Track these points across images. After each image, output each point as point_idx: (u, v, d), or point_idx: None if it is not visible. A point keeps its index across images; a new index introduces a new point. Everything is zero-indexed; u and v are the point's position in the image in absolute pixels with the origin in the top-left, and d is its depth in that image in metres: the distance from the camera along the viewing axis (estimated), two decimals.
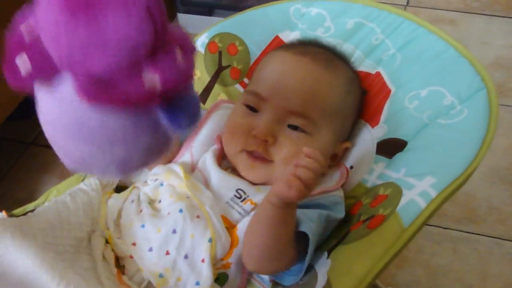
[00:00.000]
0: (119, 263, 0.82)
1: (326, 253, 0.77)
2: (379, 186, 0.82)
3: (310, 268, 0.78)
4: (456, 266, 1.25)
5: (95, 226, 0.86)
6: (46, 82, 0.50)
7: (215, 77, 1.05)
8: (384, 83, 0.94)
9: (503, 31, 1.87)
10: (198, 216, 0.79)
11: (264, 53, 1.04)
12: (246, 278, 0.80)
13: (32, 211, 0.86)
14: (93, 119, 0.49)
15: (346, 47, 0.99)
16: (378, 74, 0.95)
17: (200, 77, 1.05)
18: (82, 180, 0.92)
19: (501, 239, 1.30)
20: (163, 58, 0.48)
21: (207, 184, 0.85)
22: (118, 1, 0.45)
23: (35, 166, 1.54)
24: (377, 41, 0.98)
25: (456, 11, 1.97)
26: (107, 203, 0.87)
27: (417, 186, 0.76)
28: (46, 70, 0.49)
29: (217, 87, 1.05)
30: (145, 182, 0.89)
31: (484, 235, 1.30)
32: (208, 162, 0.87)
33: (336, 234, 0.81)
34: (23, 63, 0.49)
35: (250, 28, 1.07)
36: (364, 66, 0.98)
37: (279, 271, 0.77)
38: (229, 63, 1.06)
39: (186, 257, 0.77)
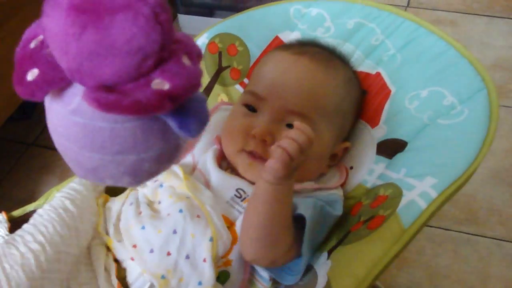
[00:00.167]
0: (121, 267, 0.81)
1: (326, 254, 0.77)
2: (379, 186, 0.82)
3: (310, 268, 0.78)
4: (457, 267, 1.25)
5: (95, 232, 0.85)
6: (57, 93, 0.51)
7: (215, 78, 1.06)
8: (384, 84, 0.94)
9: (503, 32, 1.87)
10: (198, 216, 0.79)
11: (264, 53, 1.04)
12: (248, 277, 0.80)
13: (32, 212, 0.85)
14: (104, 128, 0.50)
15: (346, 47, 0.99)
16: (378, 74, 0.95)
17: None
18: None
19: (502, 240, 1.29)
20: (171, 64, 0.48)
21: (207, 184, 0.85)
22: (125, 9, 0.45)
23: (36, 167, 1.54)
24: (377, 42, 0.98)
25: (456, 12, 1.97)
26: (104, 206, 0.87)
27: (417, 186, 0.76)
28: (57, 82, 0.49)
29: (217, 88, 1.05)
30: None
31: (485, 237, 1.30)
32: (208, 163, 0.87)
33: (336, 235, 0.80)
34: (33, 75, 0.49)
35: (250, 28, 1.07)
36: (364, 66, 0.97)
37: (277, 260, 0.76)
38: (229, 63, 1.06)
39: (187, 257, 0.77)
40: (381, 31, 0.98)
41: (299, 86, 0.85)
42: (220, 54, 1.06)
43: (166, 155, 0.54)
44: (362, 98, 0.94)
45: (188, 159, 0.90)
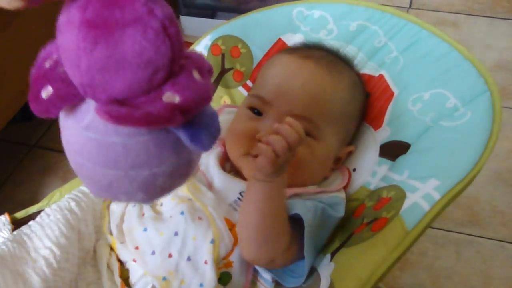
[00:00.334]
0: (124, 267, 0.82)
1: (329, 256, 0.77)
2: (382, 188, 0.82)
3: (313, 271, 0.78)
4: (459, 269, 1.25)
5: (98, 235, 0.86)
6: (71, 110, 0.52)
7: (218, 80, 1.06)
8: (387, 86, 0.94)
9: (506, 33, 1.87)
10: (200, 218, 0.79)
11: (267, 55, 1.04)
12: (251, 279, 0.80)
13: (35, 214, 0.86)
14: (117, 143, 0.50)
15: (349, 50, 0.99)
16: (381, 76, 0.95)
17: None
18: None
19: (505, 242, 1.29)
20: (181, 78, 0.49)
21: (210, 186, 0.85)
22: (135, 23, 0.46)
23: (38, 169, 1.54)
24: (380, 44, 0.98)
25: (458, 13, 1.97)
26: (109, 208, 0.87)
27: (420, 188, 0.76)
28: (70, 98, 0.50)
29: (220, 90, 1.05)
30: None
31: (487, 238, 1.30)
32: (211, 165, 0.87)
33: (339, 237, 0.80)
34: (48, 93, 0.50)
35: (253, 30, 1.07)
36: (367, 68, 0.98)
37: (276, 259, 0.76)
38: (232, 65, 1.06)
39: (188, 259, 0.77)
40: (384, 33, 0.98)
41: (305, 90, 0.85)
42: (223, 56, 1.06)
43: (179, 170, 0.54)
44: (366, 101, 0.94)
45: None
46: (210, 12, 1.92)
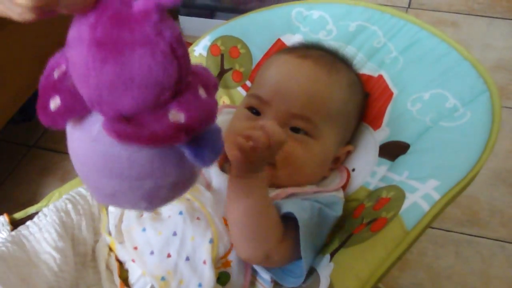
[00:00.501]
0: (123, 268, 0.82)
1: (328, 256, 0.77)
2: (382, 189, 0.82)
3: (313, 271, 0.77)
4: (459, 268, 1.25)
5: (97, 237, 0.86)
6: (78, 121, 0.53)
7: (218, 80, 1.06)
8: (386, 86, 0.94)
9: (505, 33, 1.87)
10: (198, 218, 0.79)
11: (266, 56, 1.04)
12: (250, 279, 0.79)
13: (34, 214, 0.86)
14: (123, 156, 0.52)
15: (348, 50, 0.99)
16: (380, 77, 0.95)
17: None
18: None
19: (504, 241, 1.29)
20: (187, 96, 0.50)
21: (209, 186, 0.85)
22: (144, 44, 0.47)
23: (37, 169, 1.54)
24: (379, 44, 0.98)
25: (458, 13, 1.97)
26: (107, 209, 0.87)
27: (420, 189, 0.76)
28: (78, 111, 0.51)
29: (219, 90, 1.05)
30: None
31: (487, 238, 1.30)
32: None
33: (338, 237, 0.80)
34: (56, 104, 0.51)
35: (252, 31, 1.07)
36: (367, 69, 0.98)
37: (271, 256, 0.75)
38: (231, 66, 1.06)
39: (187, 259, 0.77)
40: (383, 33, 0.98)
41: (303, 90, 0.85)
42: (222, 56, 1.06)
43: (182, 182, 0.56)
44: (365, 101, 0.94)
45: None
46: (209, 13, 1.92)
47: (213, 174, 0.86)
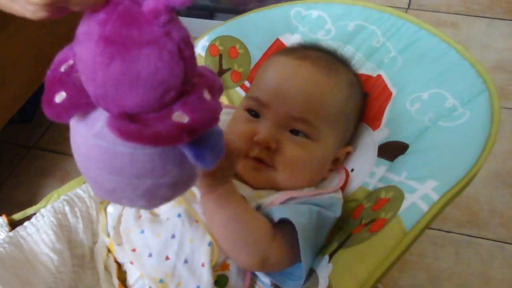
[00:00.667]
0: (122, 269, 0.82)
1: (327, 257, 0.77)
2: (381, 189, 0.82)
3: (312, 272, 0.77)
4: (458, 269, 1.25)
5: (96, 238, 0.86)
6: (82, 116, 0.53)
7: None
8: (385, 86, 0.94)
9: (504, 33, 1.87)
10: (197, 221, 0.79)
11: (265, 56, 1.04)
12: (249, 283, 0.79)
13: (32, 215, 0.86)
14: (124, 153, 0.52)
15: (347, 50, 0.99)
16: (379, 77, 0.95)
17: None
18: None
19: (504, 242, 1.29)
20: (192, 98, 0.51)
21: None
22: (152, 44, 0.48)
23: (36, 170, 1.54)
24: (378, 44, 0.98)
25: (457, 14, 1.97)
26: (106, 210, 0.87)
27: (419, 189, 0.76)
28: (83, 106, 0.52)
29: None
30: None
31: (486, 239, 1.30)
32: None
33: (337, 238, 0.80)
34: (61, 98, 0.52)
35: (251, 31, 1.07)
36: (365, 69, 0.97)
37: (268, 259, 0.75)
38: (229, 66, 1.06)
39: (185, 261, 0.77)
40: (382, 33, 0.98)
41: (302, 92, 0.85)
42: (220, 56, 1.06)
43: (181, 182, 0.56)
44: (364, 101, 0.94)
45: None
46: (209, 13, 1.92)
47: None
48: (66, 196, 0.87)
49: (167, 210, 0.81)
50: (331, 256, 0.77)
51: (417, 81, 0.90)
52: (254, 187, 0.84)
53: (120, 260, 0.82)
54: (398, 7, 1.98)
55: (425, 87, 0.89)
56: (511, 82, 1.68)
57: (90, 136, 0.53)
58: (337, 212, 0.83)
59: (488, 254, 1.27)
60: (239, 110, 0.90)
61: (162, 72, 0.48)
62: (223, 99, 1.05)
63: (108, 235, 0.84)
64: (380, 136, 0.90)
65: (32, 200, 1.41)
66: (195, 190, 0.82)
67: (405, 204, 0.75)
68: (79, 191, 0.89)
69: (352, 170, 0.91)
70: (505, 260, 1.26)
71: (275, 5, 1.08)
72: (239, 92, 1.05)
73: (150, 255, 0.78)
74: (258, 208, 0.80)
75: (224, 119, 0.92)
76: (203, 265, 0.76)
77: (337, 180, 0.89)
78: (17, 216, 0.88)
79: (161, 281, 0.76)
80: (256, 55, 1.05)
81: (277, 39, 1.05)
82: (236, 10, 1.79)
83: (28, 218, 0.86)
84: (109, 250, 0.84)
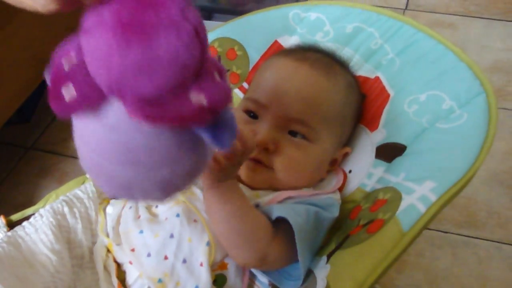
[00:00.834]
0: (121, 269, 0.82)
1: (325, 258, 0.77)
2: (379, 190, 0.82)
3: (310, 273, 0.77)
4: (456, 270, 1.25)
5: (95, 238, 0.86)
6: (92, 109, 0.52)
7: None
8: (383, 88, 0.94)
9: (502, 34, 1.87)
10: (195, 220, 0.79)
11: (263, 57, 1.05)
12: (247, 282, 0.79)
13: (31, 216, 0.86)
14: (140, 143, 0.51)
15: (345, 52, 1.00)
16: (377, 78, 0.96)
17: None
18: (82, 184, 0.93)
19: (501, 243, 1.29)
20: (206, 79, 0.50)
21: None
22: (169, 26, 0.48)
23: (34, 171, 1.53)
24: (376, 46, 0.98)
25: (455, 14, 1.97)
26: (105, 210, 0.87)
27: (416, 190, 0.76)
28: (94, 98, 0.51)
29: None
30: None
31: (484, 239, 1.30)
32: None
33: (335, 239, 0.80)
34: (69, 92, 0.50)
35: (249, 32, 1.07)
36: (363, 70, 0.98)
37: (267, 257, 0.75)
38: (228, 67, 1.06)
39: (184, 261, 0.77)
40: (380, 35, 0.98)
41: (300, 94, 0.85)
42: (219, 58, 1.06)
43: (194, 169, 0.56)
44: (362, 103, 0.95)
45: None
46: (207, 14, 1.92)
47: None
48: (65, 197, 0.88)
49: (165, 210, 0.82)
50: (329, 257, 0.77)
51: (414, 83, 0.91)
52: (252, 187, 0.85)
53: (119, 260, 0.82)
54: (395, 8, 1.98)
55: (422, 89, 0.89)
56: (508, 83, 1.69)
57: (102, 130, 0.52)
58: (334, 212, 0.83)
59: (485, 255, 1.27)
60: (237, 112, 0.90)
61: (181, 54, 0.48)
62: None
63: (107, 235, 0.84)
64: (378, 138, 0.91)
65: (30, 201, 1.41)
66: (196, 190, 0.83)
67: (403, 205, 0.75)
68: (77, 192, 0.89)
69: (350, 171, 0.91)
70: (502, 260, 1.26)
71: (273, 7, 1.08)
72: (238, 93, 1.05)
73: (149, 255, 0.78)
74: (256, 207, 0.80)
75: None
76: (201, 264, 0.76)
77: (335, 181, 0.89)
78: (15, 217, 0.88)
79: (159, 280, 0.76)
80: (254, 56, 1.06)
81: (276, 41, 1.05)
82: (234, 11, 1.79)
83: (27, 218, 0.87)
84: (108, 250, 0.84)
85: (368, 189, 0.86)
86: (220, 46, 1.06)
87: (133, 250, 0.80)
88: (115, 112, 0.51)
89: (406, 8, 2.02)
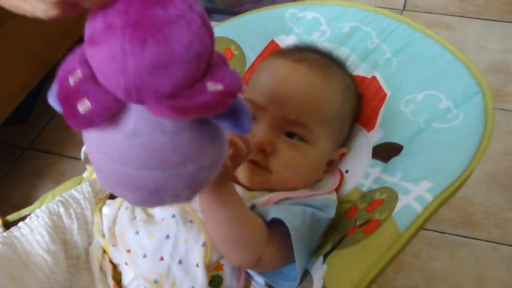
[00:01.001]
0: (117, 270, 0.82)
1: (322, 258, 0.77)
2: (375, 190, 0.82)
3: (306, 273, 0.77)
4: (453, 270, 1.25)
5: (91, 239, 0.86)
6: (111, 119, 0.52)
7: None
8: (379, 87, 0.94)
9: (499, 35, 1.88)
10: (191, 221, 0.79)
11: (260, 57, 1.04)
12: (243, 283, 0.79)
13: (27, 216, 0.86)
14: (164, 142, 0.51)
15: (342, 51, 0.99)
16: (373, 78, 0.95)
17: None
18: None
19: (498, 243, 1.30)
20: (216, 68, 0.51)
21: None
22: (179, 19, 0.48)
23: (31, 171, 1.53)
24: (372, 45, 0.98)
25: (452, 15, 1.97)
26: (101, 211, 0.87)
27: (413, 190, 0.76)
28: (113, 106, 0.50)
29: None
30: None
31: (481, 240, 1.30)
32: None
33: (332, 239, 0.80)
34: (86, 107, 0.50)
35: (246, 32, 1.07)
36: (360, 70, 0.98)
37: (263, 258, 0.75)
38: None
39: (180, 262, 0.77)
40: (377, 35, 0.98)
41: (298, 95, 0.85)
42: None
43: (216, 161, 0.56)
44: (359, 103, 0.94)
45: None
46: None
47: None
48: (61, 197, 0.87)
49: (161, 210, 0.82)
50: (325, 257, 0.77)
51: (411, 82, 0.91)
52: (249, 188, 0.84)
53: (115, 261, 0.82)
54: (393, 8, 1.99)
55: (419, 88, 0.89)
56: (505, 83, 1.69)
57: (123, 138, 0.52)
58: (331, 213, 0.83)
59: (482, 255, 1.27)
60: None
61: (194, 44, 0.48)
62: None
63: (103, 236, 0.84)
64: (375, 138, 0.90)
65: (26, 201, 1.41)
66: None
67: (399, 205, 0.75)
68: (74, 192, 0.88)
69: (347, 171, 0.91)
70: (499, 261, 1.26)
71: (270, 7, 1.08)
72: None
73: (144, 256, 0.78)
74: (252, 208, 0.80)
75: None
76: (197, 265, 0.76)
77: (331, 182, 0.89)
78: (11, 217, 0.88)
79: (155, 281, 0.76)
80: (251, 56, 1.05)
81: (272, 41, 1.05)
82: (231, 11, 1.79)
83: (23, 219, 0.86)
84: (104, 251, 0.84)
85: (365, 189, 0.86)
86: (216, 46, 1.06)
87: (129, 251, 0.80)
88: (134, 117, 0.51)
89: (404, 9, 2.02)
